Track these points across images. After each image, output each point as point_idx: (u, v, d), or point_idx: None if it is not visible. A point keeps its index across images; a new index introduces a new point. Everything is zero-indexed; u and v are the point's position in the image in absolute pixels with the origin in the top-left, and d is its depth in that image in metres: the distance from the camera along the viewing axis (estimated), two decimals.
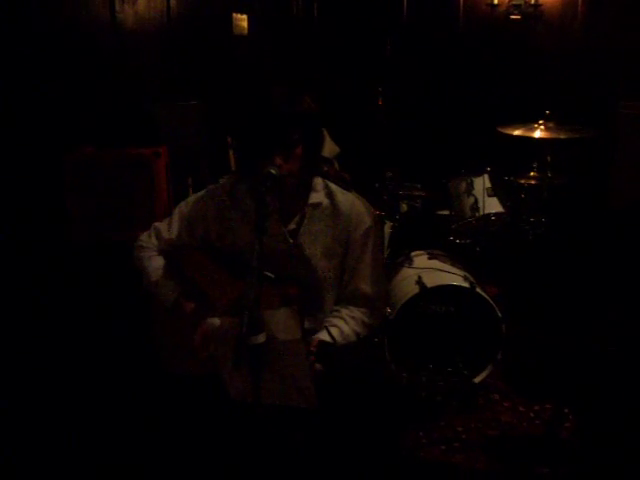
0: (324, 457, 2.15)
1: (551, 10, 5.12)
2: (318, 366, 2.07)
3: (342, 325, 2.27)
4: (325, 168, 3.87)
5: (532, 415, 3.34)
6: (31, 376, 3.07)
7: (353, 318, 2.32)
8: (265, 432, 1.95)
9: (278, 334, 1.84)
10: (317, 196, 2.29)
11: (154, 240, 2.38)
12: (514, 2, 5.15)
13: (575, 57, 5.09)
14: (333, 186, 2.33)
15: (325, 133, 4.19)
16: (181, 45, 4.30)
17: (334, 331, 2.24)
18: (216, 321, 1.99)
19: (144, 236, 2.40)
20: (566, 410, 3.23)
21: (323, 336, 2.21)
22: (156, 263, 2.35)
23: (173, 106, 3.96)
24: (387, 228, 3.76)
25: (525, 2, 5.12)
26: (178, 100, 4.04)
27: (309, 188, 2.29)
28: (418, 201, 4.11)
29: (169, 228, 2.37)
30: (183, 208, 2.38)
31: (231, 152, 3.81)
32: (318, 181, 2.31)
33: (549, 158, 4.00)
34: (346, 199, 2.32)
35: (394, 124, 3.87)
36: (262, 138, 2.07)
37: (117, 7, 3.74)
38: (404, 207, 4.05)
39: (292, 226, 2.28)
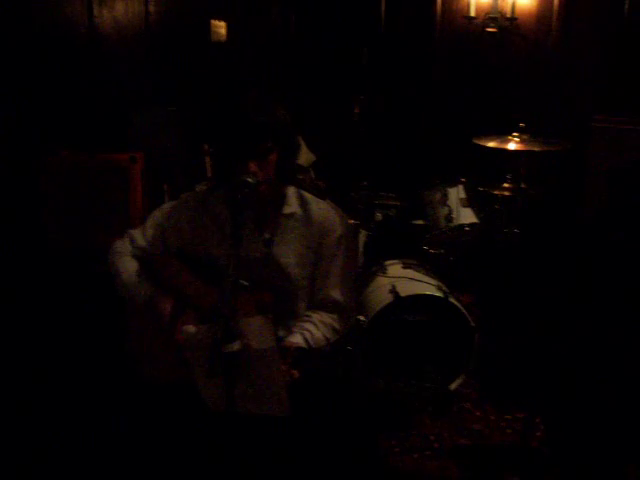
0: (297, 466, 2.15)
1: (526, 24, 5.17)
2: (294, 372, 2.07)
3: (313, 329, 2.29)
4: (301, 176, 3.90)
5: (504, 424, 3.36)
6: (5, 385, 3.05)
7: (323, 323, 2.33)
8: (239, 440, 1.95)
9: (253, 342, 1.84)
10: (291, 206, 2.30)
11: (128, 246, 2.37)
12: (490, 15, 5.20)
13: (549, 71, 5.15)
14: (306, 195, 2.35)
15: (301, 141, 4.22)
16: (159, 51, 4.29)
17: (307, 335, 2.26)
18: (191, 328, 1.99)
19: (118, 242, 2.40)
20: (537, 419, 3.26)
21: (296, 339, 2.23)
22: (129, 266, 2.34)
23: (150, 112, 3.95)
24: (362, 237, 3.77)
25: (501, 15, 5.17)
26: (155, 106, 4.03)
27: (283, 197, 2.30)
28: (393, 210, 4.14)
29: (143, 235, 2.37)
30: (157, 216, 2.38)
31: (207, 159, 3.81)
32: (292, 190, 2.33)
33: (523, 170, 4.04)
34: (319, 208, 2.33)
35: (370, 133, 3.89)
36: (236, 145, 2.08)
37: (95, 12, 3.72)
38: (379, 216, 4.07)
39: (266, 235, 2.29)
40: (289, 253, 2.29)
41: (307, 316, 2.34)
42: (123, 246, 2.38)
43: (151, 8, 4.20)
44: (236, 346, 1.75)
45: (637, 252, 2.99)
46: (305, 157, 4.28)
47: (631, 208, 3.07)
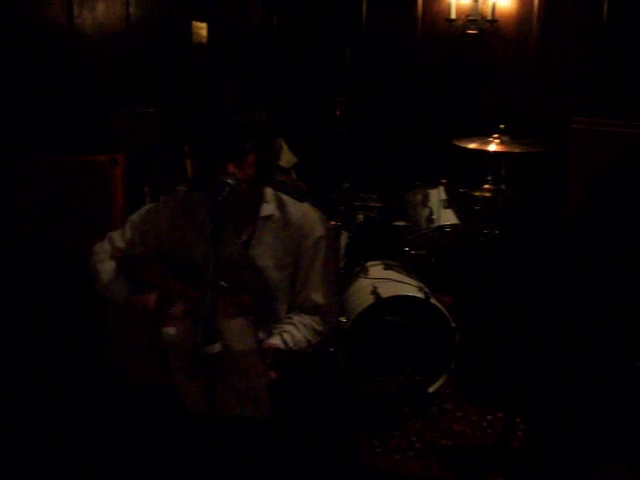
0: (278, 467, 2.15)
1: (507, 26, 5.21)
2: (273, 374, 2.08)
3: (293, 331, 2.29)
4: (282, 178, 3.91)
5: (485, 424, 3.38)
6: None
7: (304, 325, 2.33)
8: (219, 442, 1.94)
9: (233, 344, 1.84)
10: (268, 208, 2.30)
11: (108, 248, 2.37)
12: (471, 17, 5.23)
13: (529, 73, 5.19)
14: (284, 197, 2.35)
15: (283, 143, 4.22)
16: (140, 52, 4.27)
17: (286, 337, 2.26)
18: (171, 330, 1.98)
19: (98, 244, 2.39)
20: (518, 419, 3.28)
21: (275, 340, 2.23)
22: (108, 266, 2.34)
23: (131, 113, 3.94)
24: (343, 238, 3.78)
25: (482, 17, 5.20)
26: (136, 107, 4.02)
27: (261, 199, 2.30)
28: (374, 212, 4.15)
29: (122, 237, 2.36)
30: (136, 217, 2.38)
31: (188, 161, 3.80)
32: (269, 192, 2.33)
33: (503, 171, 4.07)
34: (297, 209, 2.33)
35: (351, 135, 3.90)
36: (215, 146, 2.09)
37: (75, 12, 3.70)
38: (360, 218, 4.08)
39: (244, 237, 2.29)
40: (267, 255, 2.29)
41: (288, 318, 2.35)
42: (103, 248, 2.37)
43: (132, 9, 4.19)
44: (216, 348, 1.74)
45: (614, 253, 3.01)
46: (287, 159, 4.29)
47: (608, 210, 3.10)
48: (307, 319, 2.35)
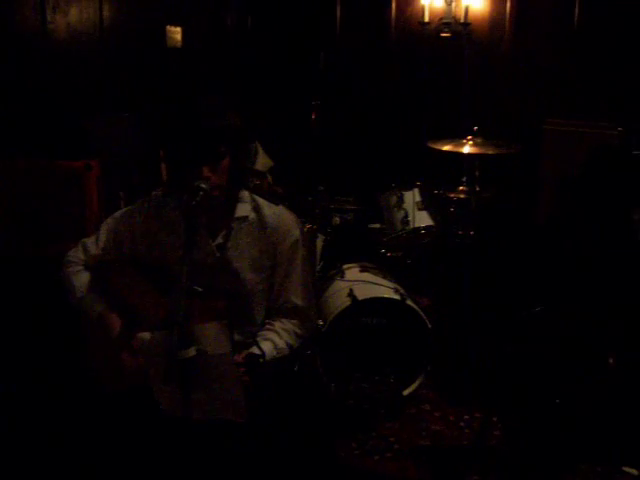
0: (255, 470, 2.16)
1: (479, 29, 5.24)
2: (245, 378, 2.08)
3: (276, 339, 2.30)
4: (258, 181, 3.91)
5: (462, 424, 3.40)
6: None
7: (286, 330, 2.34)
8: (196, 446, 1.95)
9: (208, 348, 1.85)
10: (244, 210, 2.31)
11: (81, 255, 2.36)
12: (444, 20, 5.26)
13: (502, 75, 5.23)
14: (260, 200, 2.36)
15: (259, 147, 4.22)
16: (114, 56, 4.26)
17: (267, 345, 2.26)
18: (146, 335, 1.98)
19: (72, 252, 2.38)
20: (495, 419, 3.30)
21: (256, 351, 2.22)
22: (82, 279, 2.33)
23: (106, 118, 3.93)
24: (319, 241, 3.79)
25: (455, 21, 5.23)
26: (111, 112, 4.01)
27: (236, 202, 2.30)
28: (350, 215, 4.17)
29: (96, 243, 2.35)
30: (110, 222, 2.37)
31: (163, 165, 3.80)
32: (245, 195, 2.33)
33: (477, 173, 4.09)
34: (273, 212, 2.34)
35: (326, 138, 3.91)
36: (189, 150, 2.09)
37: (49, 17, 3.69)
38: (336, 220, 4.09)
39: (219, 240, 2.29)
40: (242, 258, 2.29)
41: (269, 324, 2.35)
42: (76, 256, 2.36)
43: (105, 13, 4.18)
44: (191, 352, 1.75)
45: (581, 252, 3.06)
46: (263, 162, 4.28)
47: (577, 210, 3.15)
48: (288, 324, 2.36)
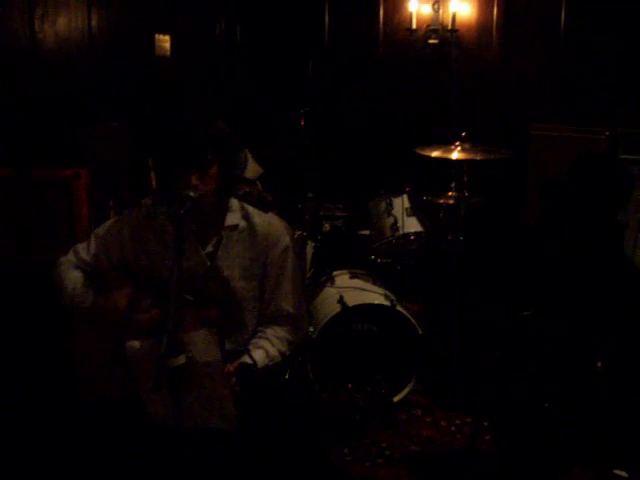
0: (246, 478, 2.16)
1: (467, 36, 5.27)
2: (237, 388, 2.08)
3: (268, 347, 2.30)
4: (248, 189, 3.91)
5: (453, 429, 3.40)
6: None
7: (278, 338, 2.35)
8: (186, 454, 1.95)
9: (198, 356, 1.85)
10: (234, 218, 2.32)
11: (73, 259, 2.37)
12: (432, 27, 5.29)
13: (490, 81, 5.26)
14: (250, 208, 2.37)
15: (248, 154, 4.22)
16: (103, 65, 4.26)
17: (259, 353, 2.26)
18: (136, 344, 1.98)
19: (63, 257, 2.39)
20: (486, 423, 3.31)
21: (248, 360, 2.23)
22: (73, 275, 2.34)
23: (95, 127, 3.93)
24: (309, 248, 3.80)
25: (442, 27, 5.26)
26: (100, 121, 4.01)
27: (225, 210, 2.31)
28: (340, 221, 4.17)
29: (87, 250, 2.36)
30: (101, 231, 2.38)
31: (152, 174, 3.80)
32: (234, 203, 2.34)
33: (466, 178, 4.10)
34: (263, 220, 2.35)
35: (316, 145, 3.92)
36: (177, 158, 2.10)
37: (37, 27, 3.70)
38: (326, 227, 4.10)
39: (209, 249, 2.30)
40: (233, 266, 2.29)
41: (261, 332, 2.36)
42: (67, 259, 2.37)
43: (94, 22, 4.19)
44: (181, 360, 1.75)
45: (566, 258, 3.07)
46: (252, 169, 4.28)
47: (561, 215, 3.16)
48: (280, 331, 2.37)
